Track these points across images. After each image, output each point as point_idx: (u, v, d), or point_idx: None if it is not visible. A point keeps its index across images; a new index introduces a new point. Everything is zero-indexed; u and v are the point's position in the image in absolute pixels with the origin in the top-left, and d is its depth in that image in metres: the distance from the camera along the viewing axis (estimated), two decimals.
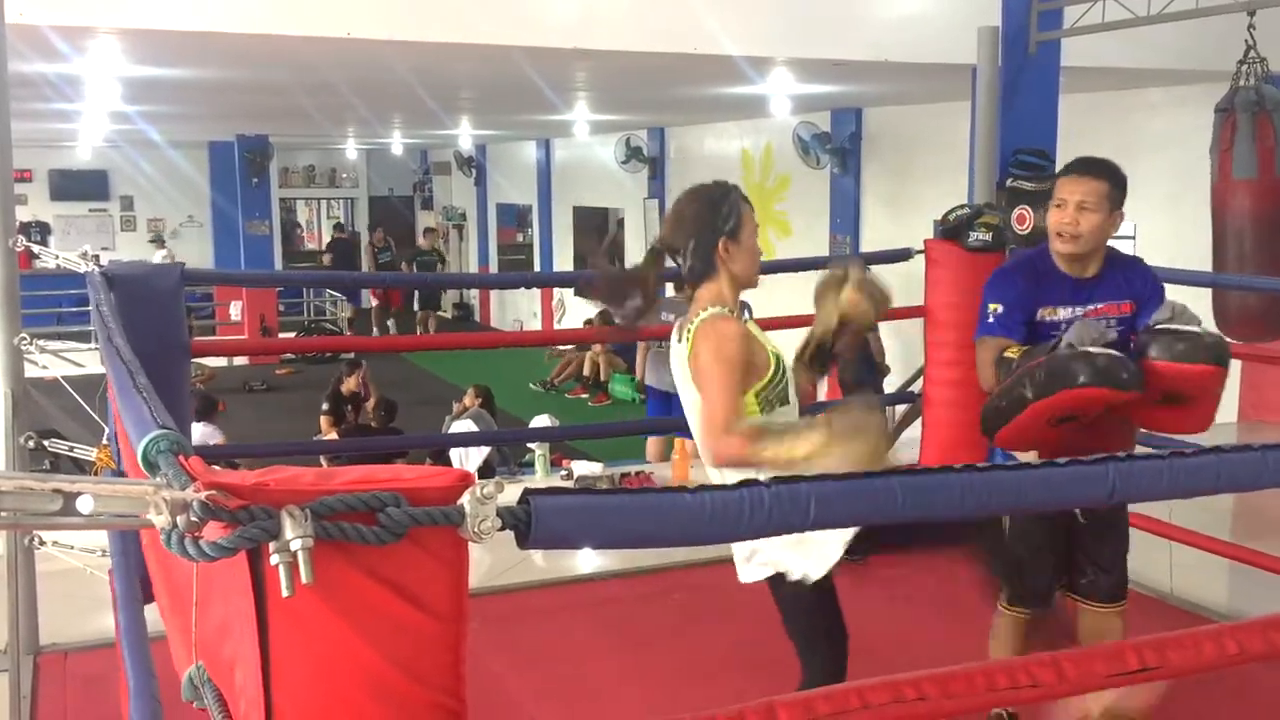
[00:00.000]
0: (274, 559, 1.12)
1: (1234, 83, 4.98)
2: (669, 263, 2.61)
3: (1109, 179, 2.88)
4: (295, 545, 1.12)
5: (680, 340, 2.56)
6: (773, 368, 2.48)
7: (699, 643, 3.87)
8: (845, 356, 2.82)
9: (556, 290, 17.67)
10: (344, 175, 23.40)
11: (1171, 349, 2.67)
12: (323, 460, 7.21)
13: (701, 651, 3.78)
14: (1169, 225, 7.60)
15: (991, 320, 2.92)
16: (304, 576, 1.12)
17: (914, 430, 5.01)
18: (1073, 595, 3.06)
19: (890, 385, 7.89)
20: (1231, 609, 4.11)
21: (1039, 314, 2.91)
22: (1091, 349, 2.66)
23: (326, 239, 22.84)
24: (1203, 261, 5.16)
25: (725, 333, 2.44)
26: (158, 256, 16.80)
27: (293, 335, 16.51)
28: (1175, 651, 1.59)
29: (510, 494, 1.30)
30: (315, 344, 14.08)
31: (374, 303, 18.30)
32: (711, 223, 2.51)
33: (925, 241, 4.74)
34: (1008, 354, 2.84)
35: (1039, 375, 2.67)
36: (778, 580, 2.55)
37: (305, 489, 1.17)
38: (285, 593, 1.13)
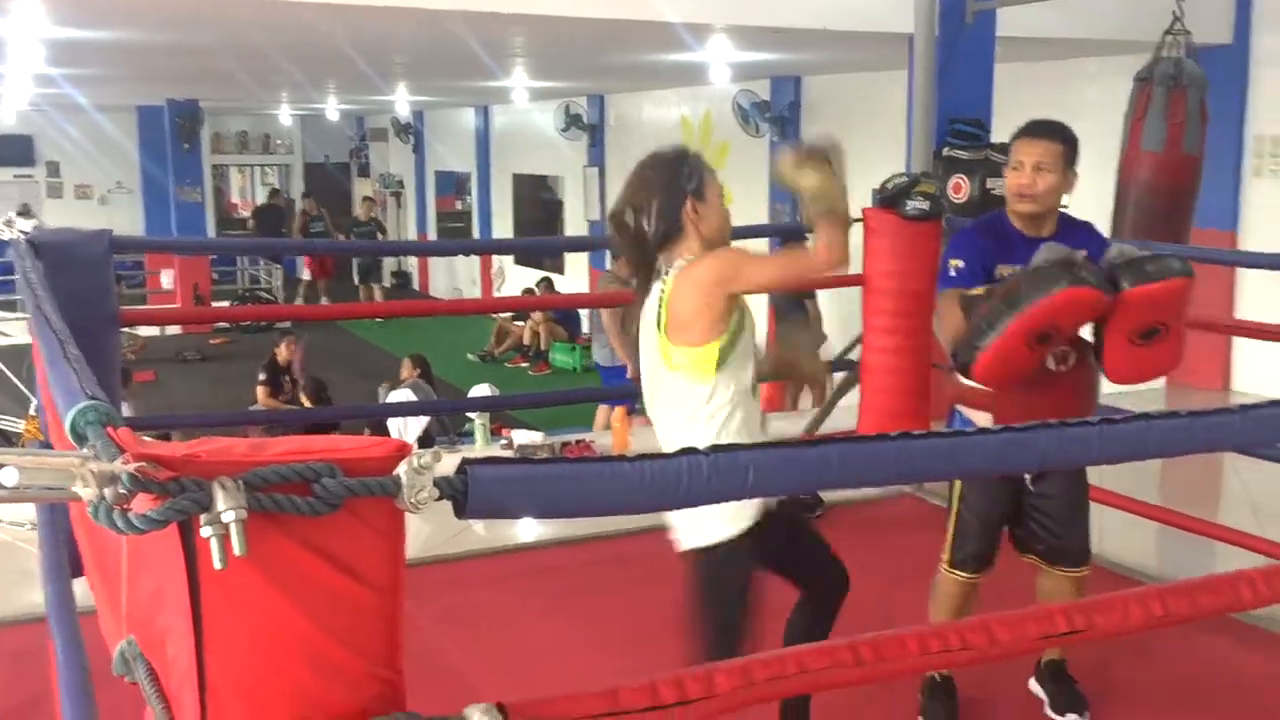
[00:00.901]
0: (206, 531, 1.11)
1: (1156, 54, 5.04)
2: None
3: (1063, 140, 2.98)
4: (228, 517, 1.11)
5: (660, 295, 2.52)
6: (738, 317, 2.48)
7: (640, 610, 3.89)
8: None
9: (496, 258, 17.57)
10: (278, 142, 22.98)
11: (1144, 273, 2.76)
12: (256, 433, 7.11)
13: (643, 618, 3.80)
14: (1101, 193, 7.72)
15: (953, 274, 3.00)
16: (237, 548, 1.11)
17: (851, 398, 5.07)
18: (1033, 558, 3.13)
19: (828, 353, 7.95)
20: (1160, 572, 4.22)
21: (997, 271, 2.98)
22: (1066, 260, 2.74)
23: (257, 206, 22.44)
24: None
25: (712, 255, 2.48)
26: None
27: (227, 304, 16.26)
28: (1103, 614, 1.62)
29: (450, 464, 1.29)
30: (249, 313, 13.86)
31: (307, 275, 18.01)
32: (675, 183, 2.51)
33: (863, 210, 4.77)
34: (972, 294, 2.91)
35: (1019, 289, 2.72)
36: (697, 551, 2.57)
37: (238, 460, 1.16)
38: (218, 565, 1.11)
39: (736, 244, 2.63)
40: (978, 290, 2.91)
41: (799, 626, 2.69)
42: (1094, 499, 3.22)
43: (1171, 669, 3.44)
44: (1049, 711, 3.15)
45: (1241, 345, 7.70)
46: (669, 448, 2.47)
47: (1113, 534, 4.40)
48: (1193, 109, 4.99)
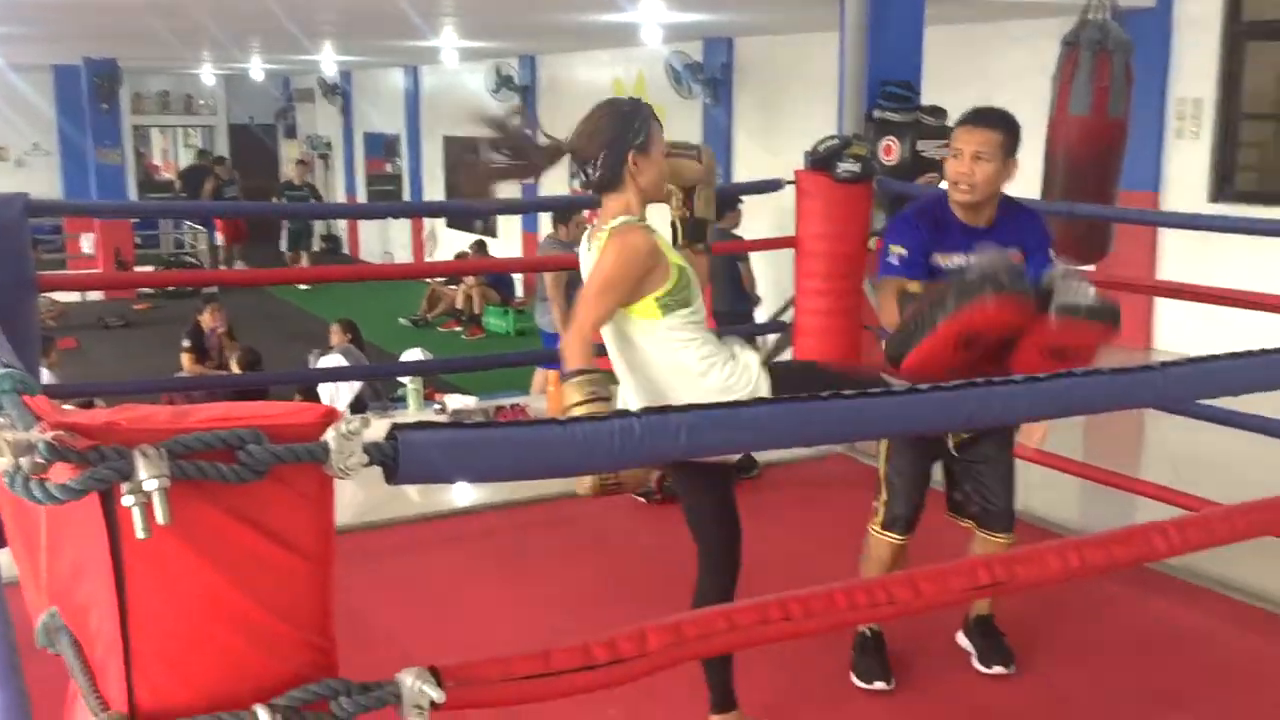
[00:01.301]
0: (127, 500, 1.09)
1: (1082, 17, 5.10)
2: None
3: (1003, 129, 2.98)
4: (150, 485, 1.09)
5: (590, 249, 2.64)
6: (674, 277, 2.55)
7: (575, 573, 3.90)
8: (706, 218, 2.85)
9: (428, 221, 17.38)
10: (201, 102, 22.43)
11: (1075, 307, 2.78)
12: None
13: (578, 581, 3.82)
14: (1027, 155, 7.82)
15: (895, 263, 3.03)
16: (160, 517, 1.09)
17: (784, 358, 5.10)
18: (968, 522, 3.19)
19: (761, 315, 8.00)
20: (1082, 526, 4.32)
21: (935, 259, 3.01)
22: (999, 270, 2.76)
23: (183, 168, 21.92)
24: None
25: (632, 243, 2.52)
26: None
27: (151, 269, 15.90)
28: (1023, 567, 1.66)
29: (380, 429, 1.28)
30: (172, 278, 13.53)
31: (220, 239, 17.57)
32: (623, 134, 2.57)
33: (795, 172, 4.79)
34: (910, 289, 2.94)
35: (949, 295, 2.76)
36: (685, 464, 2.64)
37: (160, 427, 1.13)
38: (140, 534, 1.10)
39: (636, 248, 2.54)
40: (914, 286, 2.96)
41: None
42: (1019, 456, 3.28)
43: (1097, 622, 3.54)
44: (976, 664, 3.22)
45: (1163, 305, 7.88)
46: (634, 405, 2.54)
47: (1038, 490, 4.49)
48: (1118, 72, 5.06)
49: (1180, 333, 7.60)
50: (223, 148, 22.32)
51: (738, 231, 7.98)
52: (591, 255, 2.61)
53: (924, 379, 2.86)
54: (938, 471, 3.21)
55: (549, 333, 7.86)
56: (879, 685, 3.09)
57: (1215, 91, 7.69)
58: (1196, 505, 3.41)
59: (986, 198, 3.00)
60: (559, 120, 2.79)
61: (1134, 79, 5.19)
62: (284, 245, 16.84)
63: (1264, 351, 1.82)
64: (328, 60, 16.42)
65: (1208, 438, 4.84)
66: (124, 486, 1.09)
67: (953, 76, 7.28)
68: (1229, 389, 1.85)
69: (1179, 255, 7.61)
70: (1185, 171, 7.83)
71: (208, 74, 20.50)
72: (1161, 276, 7.47)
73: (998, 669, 3.18)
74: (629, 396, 2.67)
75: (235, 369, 8.90)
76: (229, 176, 18.59)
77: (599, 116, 2.62)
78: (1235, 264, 6.41)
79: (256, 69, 18.85)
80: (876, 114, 6.27)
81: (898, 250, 3.01)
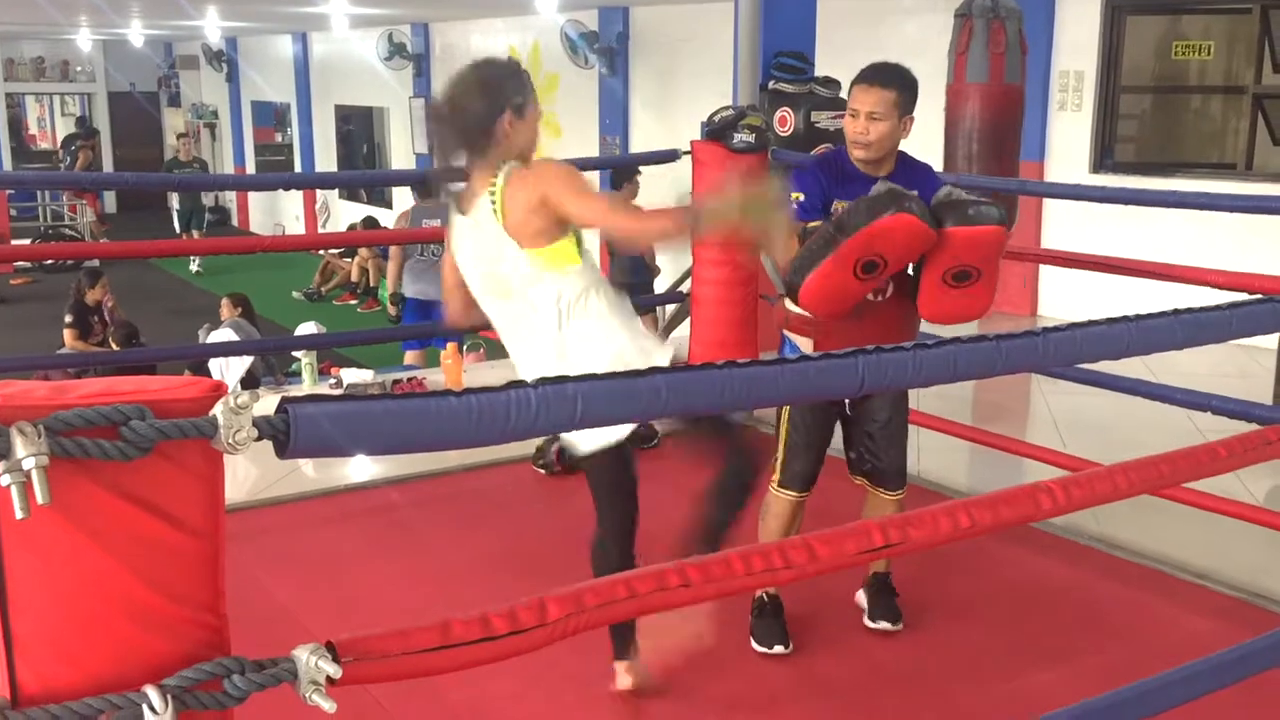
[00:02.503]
0: (4, 479, 1.05)
1: None
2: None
3: (898, 87, 3.01)
4: (28, 464, 1.05)
5: (475, 213, 2.56)
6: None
7: (475, 545, 3.89)
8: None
9: (320, 192, 17.01)
10: (79, 68, 21.57)
11: (965, 215, 2.88)
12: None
13: (477, 553, 3.81)
14: (919, 126, 7.97)
15: (794, 207, 3.05)
16: (40, 497, 1.06)
17: (683, 329, 5.13)
18: (861, 480, 3.28)
19: (660, 285, 8.03)
20: (972, 489, 4.45)
21: (834, 206, 3.05)
22: (897, 193, 2.85)
23: (62, 137, 21.08)
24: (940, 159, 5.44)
25: (546, 165, 2.54)
26: None
27: (28, 242, 15.29)
28: (916, 528, 1.71)
29: (271, 403, 1.25)
30: (51, 250, 13.02)
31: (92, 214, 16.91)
32: (502, 91, 2.54)
33: (691, 143, 4.80)
34: (810, 226, 2.99)
35: (849, 214, 2.81)
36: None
37: (38, 404, 1.10)
38: (20, 515, 1.06)
39: (570, 168, 2.60)
40: (814, 224, 2.99)
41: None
42: (912, 421, 3.36)
43: (987, 580, 3.65)
44: (866, 620, 3.31)
45: (1048, 272, 8.12)
46: (537, 364, 2.55)
47: (930, 454, 4.61)
48: (1012, 40, 5.18)
49: (1064, 299, 7.84)
50: (102, 116, 21.52)
51: (637, 202, 7.99)
52: (491, 217, 2.52)
53: (823, 308, 2.94)
54: (838, 438, 3.28)
55: (422, 300, 7.74)
56: (778, 649, 3.15)
57: (1096, 64, 7.91)
58: (1079, 466, 3.53)
59: (884, 155, 3.06)
60: None
61: (1027, 47, 5.33)
62: (176, 226, 16.21)
63: (1140, 317, 1.89)
64: (212, 26, 15.91)
65: (1089, 401, 5.02)
66: (0, 465, 1.05)
67: (845, 48, 7.37)
68: (1108, 353, 1.92)
69: (1061, 223, 7.84)
70: (1068, 143, 8.05)
71: (85, 39, 19.72)
72: (1045, 245, 7.69)
73: (883, 624, 3.27)
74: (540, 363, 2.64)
75: (114, 346, 8.63)
76: (90, 162, 17.78)
77: (476, 70, 2.58)
78: (1114, 233, 6.64)
79: (136, 34, 18.19)
80: (771, 85, 6.32)
81: (796, 196, 3.05)
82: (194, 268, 14.99)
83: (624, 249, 2.66)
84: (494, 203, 2.51)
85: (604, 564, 2.70)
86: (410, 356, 7.81)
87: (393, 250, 8.12)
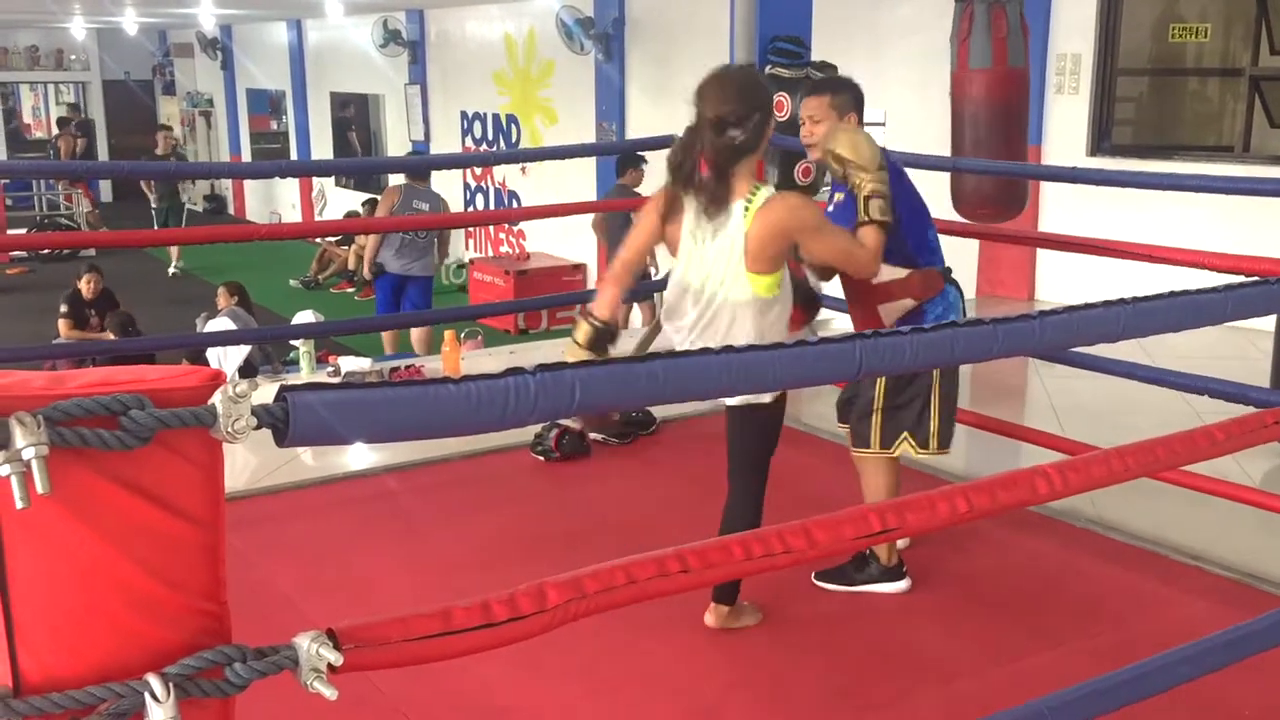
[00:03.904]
0: (4, 469, 1.05)
1: None
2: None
3: (830, 91, 3.37)
4: (28, 454, 1.05)
5: (742, 216, 2.77)
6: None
7: (474, 532, 3.90)
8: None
9: (316, 180, 16.98)
10: (73, 57, 21.48)
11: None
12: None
13: (476, 540, 3.81)
14: (916, 110, 7.95)
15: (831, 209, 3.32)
16: (40, 486, 1.06)
17: None
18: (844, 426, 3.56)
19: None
20: (969, 472, 4.45)
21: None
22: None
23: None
24: (946, 146, 5.44)
25: (802, 203, 2.87)
26: None
27: (23, 231, 15.25)
28: (914, 513, 1.71)
29: (270, 392, 1.26)
30: (46, 240, 12.97)
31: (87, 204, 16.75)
32: (769, 100, 2.82)
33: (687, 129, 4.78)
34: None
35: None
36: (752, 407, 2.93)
37: (37, 394, 1.10)
38: (20, 505, 1.06)
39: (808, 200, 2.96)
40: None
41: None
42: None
43: (983, 564, 3.66)
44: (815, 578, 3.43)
45: (1045, 256, 8.11)
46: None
47: None
48: (1014, 23, 5.16)
49: (1061, 283, 7.84)
50: (97, 104, 21.44)
51: (640, 190, 7.98)
52: (739, 222, 2.75)
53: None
54: (821, 420, 3.37)
55: (393, 275, 7.85)
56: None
57: (1094, 47, 7.89)
58: (1076, 449, 3.54)
59: None
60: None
61: (1029, 30, 5.31)
62: (154, 222, 16.00)
63: (1136, 300, 1.89)
64: (206, 14, 15.83)
65: (1086, 384, 5.02)
66: (0, 455, 1.06)
67: (843, 32, 7.34)
68: (1104, 336, 1.92)
69: (1059, 208, 7.83)
70: (1065, 125, 8.03)
71: (79, 27, 19.63)
72: (1043, 228, 7.68)
73: (821, 582, 3.40)
74: None
75: (111, 337, 8.63)
76: (71, 153, 17.65)
77: (741, 77, 2.84)
78: (1111, 216, 6.63)
79: (130, 22, 18.11)
80: (767, 70, 6.29)
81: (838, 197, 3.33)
82: (172, 270, 14.67)
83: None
84: (747, 210, 2.74)
85: (739, 520, 2.87)
86: (416, 334, 7.96)
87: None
